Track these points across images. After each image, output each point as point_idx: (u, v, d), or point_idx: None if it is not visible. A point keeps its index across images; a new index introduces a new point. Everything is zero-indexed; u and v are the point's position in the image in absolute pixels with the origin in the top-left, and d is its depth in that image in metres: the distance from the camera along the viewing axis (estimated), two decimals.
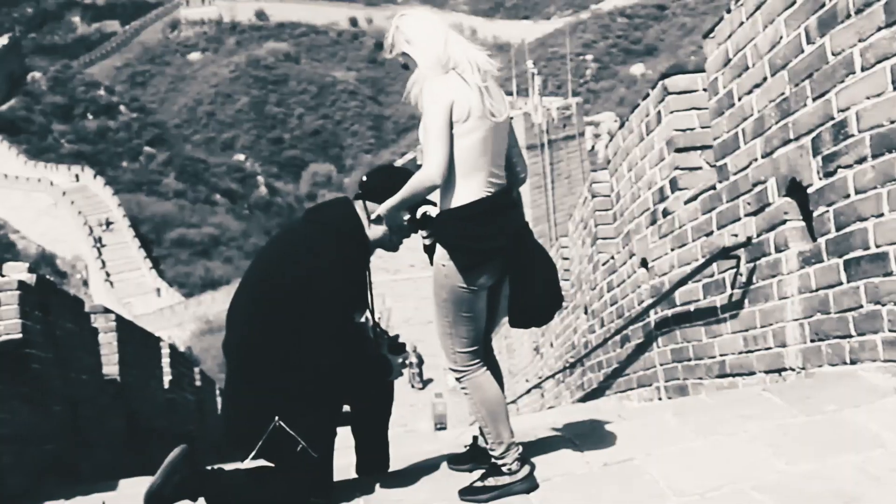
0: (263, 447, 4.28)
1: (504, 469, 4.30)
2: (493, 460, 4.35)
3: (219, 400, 17.93)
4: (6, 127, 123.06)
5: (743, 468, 3.92)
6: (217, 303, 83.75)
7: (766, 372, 5.59)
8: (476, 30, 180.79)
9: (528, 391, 15.27)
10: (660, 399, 7.59)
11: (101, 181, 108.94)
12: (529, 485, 4.27)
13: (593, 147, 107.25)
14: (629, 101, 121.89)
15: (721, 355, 6.24)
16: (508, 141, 4.44)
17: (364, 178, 4.59)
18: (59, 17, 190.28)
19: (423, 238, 4.35)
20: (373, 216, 4.48)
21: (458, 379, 4.41)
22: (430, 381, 39.94)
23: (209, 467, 4.49)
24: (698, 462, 4.10)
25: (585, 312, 10.23)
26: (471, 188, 4.19)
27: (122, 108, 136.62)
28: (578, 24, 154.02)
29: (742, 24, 5.43)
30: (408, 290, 53.27)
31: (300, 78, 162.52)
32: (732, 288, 5.94)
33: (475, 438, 4.78)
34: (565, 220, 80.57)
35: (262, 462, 4.39)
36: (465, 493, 4.33)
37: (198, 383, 15.60)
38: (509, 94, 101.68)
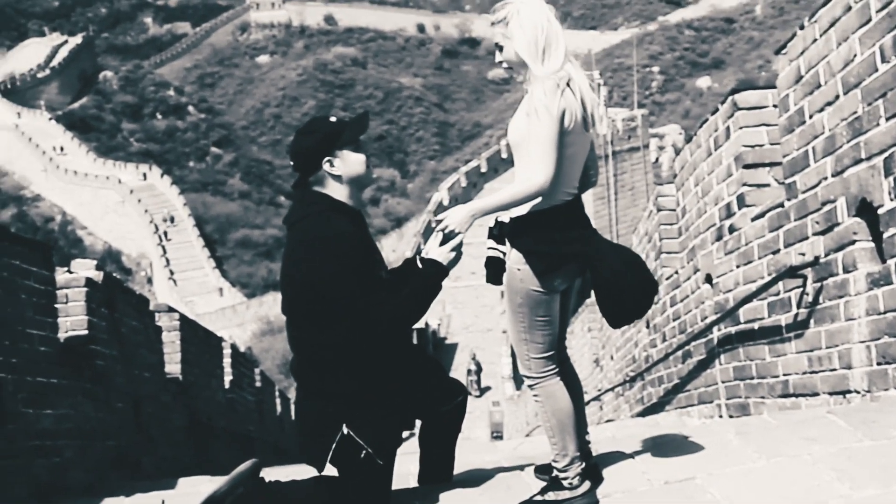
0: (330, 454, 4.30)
1: (565, 483, 4.26)
2: (554, 473, 4.33)
3: (278, 401, 18.05)
4: (77, 125, 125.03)
5: (806, 491, 3.87)
6: (278, 304, 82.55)
7: (831, 394, 5.52)
8: None
9: (587, 403, 15.19)
10: (720, 416, 7.51)
11: (168, 180, 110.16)
12: (589, 500, 4.23)
13: (657, 159, 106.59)
14: (694, 115, 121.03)
15: (784, 375, 6.17)
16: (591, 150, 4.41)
17: (292, 162, 4.44)
18: (131, 17, 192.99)
19: (491, 248, 4.29)
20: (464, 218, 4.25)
21: (531, 386, 4.37)
22: (487, 388, 39.86)
23: (270, 481, 4.51)
24: (761, 483, 4.05)
25: (647, 327, 10.16)
26: (550, 195, 4.16)
27: (190, 108, 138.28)
28: (645, 36, 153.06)
29: (815, 40, 5.36)
30: (468, 297, 53.20)
31: (367, 83, 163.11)
32: (798, 307, 5.87)
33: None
34: (628, 232, 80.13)
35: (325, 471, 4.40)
36: None
37: (258, 384, 15.70)
38: None
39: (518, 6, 4.24)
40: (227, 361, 13.25)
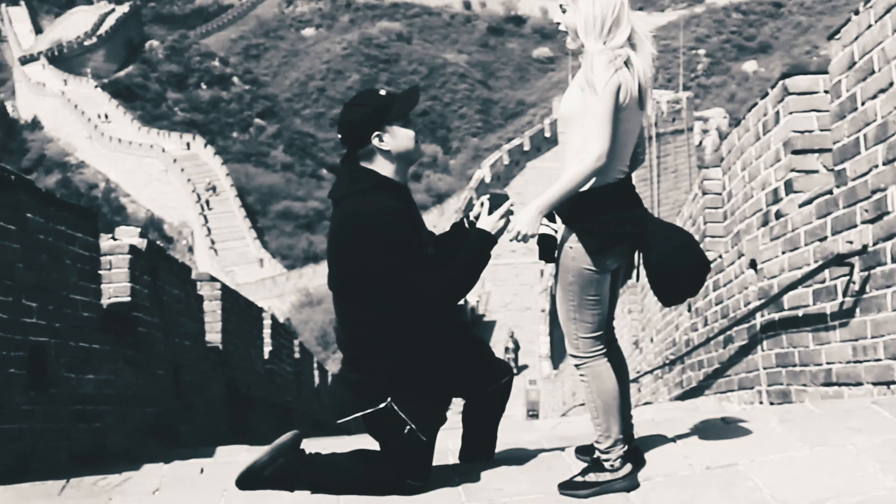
0: (372, 427, 4.30)
1: (607, 465, 4.26)
2: (596, 454, 4.32)
3: (316, 373, 18.13)
4: (122, 93, 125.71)
5: (849, 482, 3.84)
6: (318, 276, 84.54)
7: (874, 384, 5.46)
8: None
9: None
10: (760, 403, 7.47)
11: (211, 150, 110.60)
12: (630, 483, 4.23)
13: (701, 142, 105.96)
14: (740, 98, 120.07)
15: (828, 363, 6.11)
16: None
17: (340, 135, 4.41)
18: None
19: (544, 225, 4.27)
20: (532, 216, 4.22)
21: (577, 366, 4.36)
22: (524, 367, 39.91)
23: (310, 452, 4.52)
24: (803, 472, 4.02)
25: (689, 310, 10.10)
26: (604, 172, 4.15)
27: (235, 79, 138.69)
28: (692, 18, 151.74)
29: (870, 26, 5.28)
30: (508, 275, 53.18)
31: (411, 58, 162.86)
32: (844, 296, 5.81)
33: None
34: (670, 215, 79.72)
35: (363, 445, 4.41)
36: (565, 486, 4.30)
37: (296, 355, 15.77)
38: None
39: None
40: (266, 332, 13.30)
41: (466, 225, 4.50)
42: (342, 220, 4.28)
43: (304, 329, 68.01)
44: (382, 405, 4.25)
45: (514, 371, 38.89)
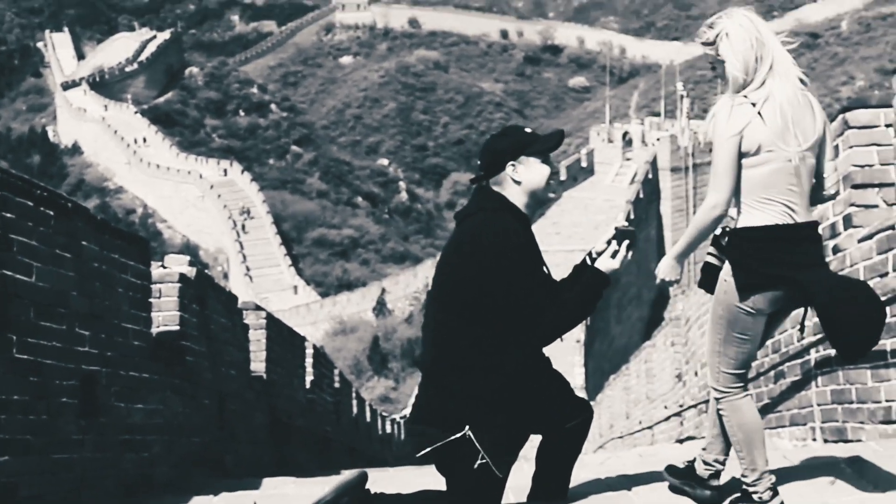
0: (442, 459, 4.24)
1: (755, 497, 4.26)
2: (743, 487, 4.32)
3: (354, 402, 18.08)
4: (161, 119, 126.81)
5: None
6: (352, 304, 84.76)
7: None
8: (625, 48, 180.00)
9: (668, 418, 15.02)
10: (814, 440, 7.34)
11: (248, 177, 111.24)
12: None
13: None
14: None
15: (887, 401, 6.00)
16: (817, 162, 4.35)
17: (480, 161, 4.53)
18: (219, 15, 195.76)
19: (710, 255, 4.41)
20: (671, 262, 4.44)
21: (717, 399, 4.40)
22: None
23: (376, 493, 4.45)
24: None
25: None
26: (765, 213, 4.19)
27: (273, 106, 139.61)
28: None
29: None
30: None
31: (448, 87, 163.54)
32: None
33: (694, 460, 4.71)
34: (705, 245, 79.69)
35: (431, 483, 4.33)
36: None
37: (336, 385, 15.74)
38: (656, 115, 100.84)
39: (726, 27, 4.28)
40: (308, 361, 13.27)
41: (588, 260, 4.52)
42: (468, 235, 4.33)
43: (336, 357, 68.03)
44: (460, 434, 4.18)
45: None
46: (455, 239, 4.39)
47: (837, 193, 4.53)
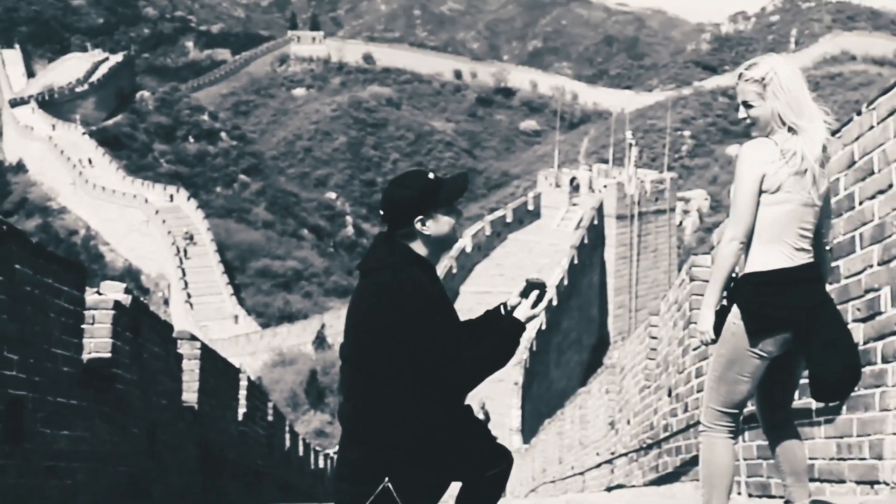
0: None
1: None
2: None
3: (287, 436, 17.97)
4: (110, 141, 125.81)
5: None
6: (292, 336, 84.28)
7: (858, 482, 5.43)
8: (577, 94, 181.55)
9: (599, 465, 15.07)
10: (739, 494, 7.41)
11: (194, 204, 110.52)
12: None
13: (681, 223, 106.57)
14: (722, 181, 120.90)
15: (811, 459, 6.08)
16: (822, 213, 4.47)
17: (383, 212, 4.39)
18: (173, 40, 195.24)
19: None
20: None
21: (700, 431, 4.53)
22: None
23: None
24: None
25: (669, 395, 10.07)
26: (774, 255, 4.29)
27: (223, 134, 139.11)
28: (679, 99, 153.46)
29: (872, 127, 5.32)
30: None
31: (399, 124, 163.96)
32: None
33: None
34: (646, 293, 79.67)
35: None
36: None
37: (270, 418, 15.64)
38: (605, 161, 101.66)
39: (776, 66, 4.38)
40: (242, 393, 13.19)
41: (503, 311, 4.50)
42: (378, 292, 4.26)
43: (274, 389, 67.65)
44: (380, 488, 4.17)
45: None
46: (363, 294, 4.32)
47: (830, 252, 4.67)
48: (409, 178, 4.42)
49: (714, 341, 4.45)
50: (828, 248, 4.61)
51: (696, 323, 4.43)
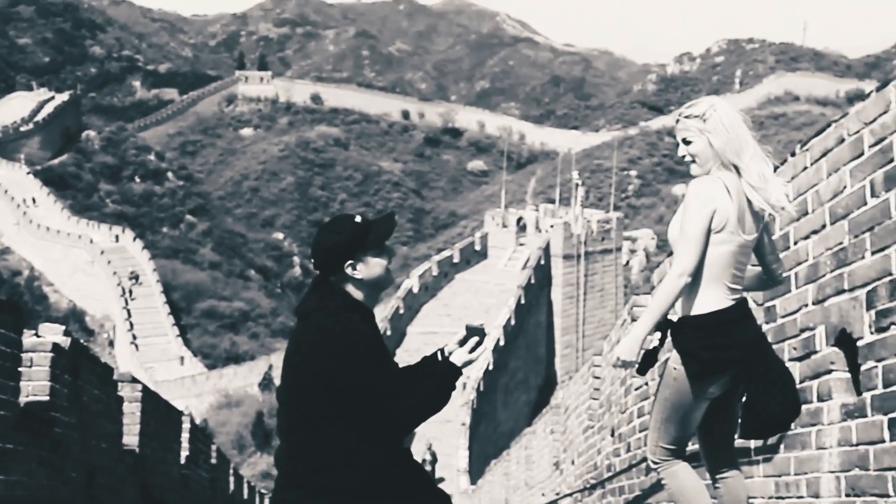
0: None
1: None
2: None
3: (231, 479, 17.80)
4: (55, 181, 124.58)
5: None
6: (238, 377, 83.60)
7: None
8: (525, 135, 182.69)
9: None
10: None
11: (140, 244, 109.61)
12: None
13: (628, 262, 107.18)
14: (668, 221, 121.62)
15: (749, 498, 6.11)
16: (767, 249, 4.54)
17: (313, 259, 4.39)
18: (120, 79, 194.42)
19: (649, 345, 4.36)
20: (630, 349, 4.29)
21: (655, 470, 4.56)
22: (441, 480, 39.48)
23: None
24: None
25: (612, 435, 10.10)
26: (711, 296, 4.28)
27: (169, 174, 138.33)
28: (626, 140, 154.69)
29: (805, 168, 5.41)
30: None
31: (347, 164, 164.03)
32: None
33: None
34: (593, 332, 79.54)
35: None
36: None
37: (213, 461, 15.49)
38: (551, 201, 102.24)
39: (715, 104, 4.41)
40: (185, 436, 13.06)
41: (440, 357, 4.50)
42: (312, 335, 4.25)
43: (220, 431, 66.96)
44: None
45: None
46: (301, 337, 4.31)
47: (781, 282, 4.77)
48: (336, 223, 4.42)
49: (641, 372, 4.42)
50: (779, 280, 4.70)
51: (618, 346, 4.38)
